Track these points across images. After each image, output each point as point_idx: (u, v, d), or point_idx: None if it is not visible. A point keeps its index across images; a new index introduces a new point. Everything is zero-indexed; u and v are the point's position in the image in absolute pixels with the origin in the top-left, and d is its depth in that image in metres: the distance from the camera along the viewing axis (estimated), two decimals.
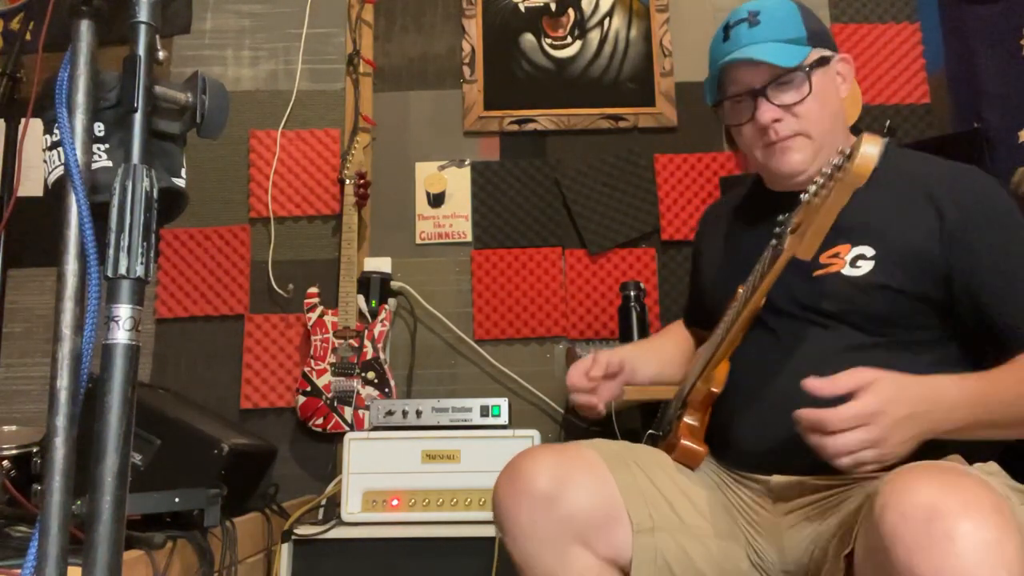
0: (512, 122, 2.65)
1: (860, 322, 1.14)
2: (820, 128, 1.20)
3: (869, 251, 1.14)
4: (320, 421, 2.31)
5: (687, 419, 1.27)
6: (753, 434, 1.20)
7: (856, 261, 1.14)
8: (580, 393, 1.31)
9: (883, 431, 0.92)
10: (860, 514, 0.93)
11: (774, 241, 0.89)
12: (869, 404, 0.92)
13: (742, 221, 1.38)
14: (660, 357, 1.47)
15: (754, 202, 1.37)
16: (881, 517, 0.86)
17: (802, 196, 0.86)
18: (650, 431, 1.45)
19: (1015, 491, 1.01)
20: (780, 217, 0.88)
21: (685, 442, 1.25)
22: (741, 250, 1.32)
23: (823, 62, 1.21)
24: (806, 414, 0.94)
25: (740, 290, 1.15)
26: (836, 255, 1.15)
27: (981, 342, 1.14)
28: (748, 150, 1.28)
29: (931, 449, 1.02)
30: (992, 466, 1.08)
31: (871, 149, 0.73)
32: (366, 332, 2.38)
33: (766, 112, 1.19)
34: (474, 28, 2.72)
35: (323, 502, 2.10)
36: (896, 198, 1.17)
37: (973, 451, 1.09)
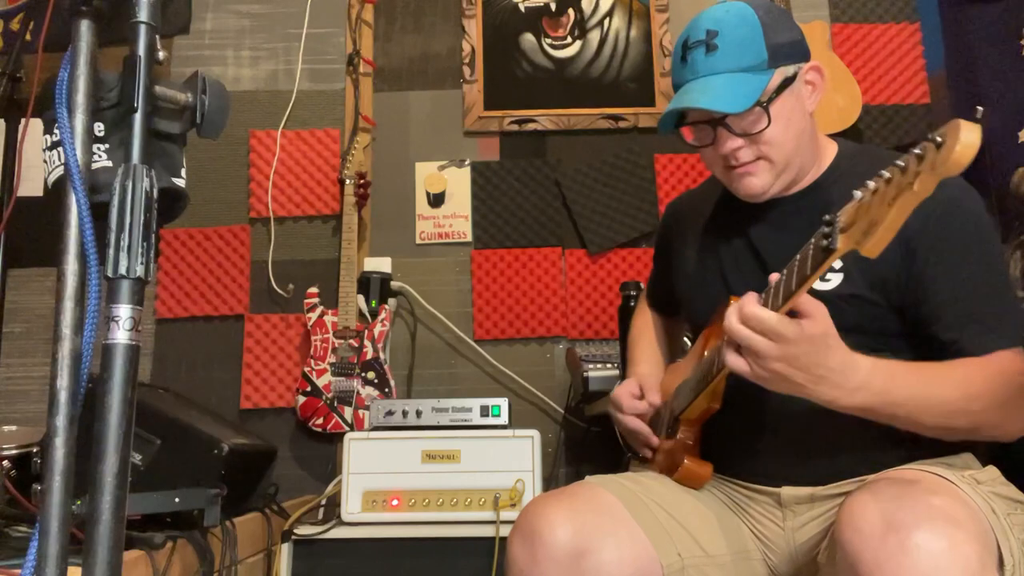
0: (512, 122, 2.65)
1: (840, 330, 1.13)
2: (783, 152, 1.17)
3: (837, 263, 1.12)
4: (320, 421, 2.32)
5: (683, 437, 1.23)
6: (758, 444, 1.19)
7: (825, 274, 1.12)
8: (634, 418, 1.31)
9: (774, 357, 0.92)
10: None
11: (824, 242, 0.84)
12: (789, 329, 0.91)
13: (715, 231, 1.34)
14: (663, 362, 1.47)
15: (728, 211, 1.33)
16: (840, 534, 0.89)
17: (856, 194, 0.81)
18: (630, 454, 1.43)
19: (1004, 499, 1.00)
20: (826, 217, 0.85)
21: (689, 463, 1.21)
22: (717, 263, 1.31)
23: (787, 83, 1.16)
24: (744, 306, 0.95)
25: (734, 300, 1.12)
26: None
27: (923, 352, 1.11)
28: (710, 167, 1.27)
29: (912, 449, 1.06)
30: (985, 473, 1.07)
31: (972, 137, 0.67)
32: (366, 332, 2.38)
33: (726, 143, 1.17)
34: (474, 28, 2.71)
35: (323, 502, 2.10)
36: None
37: (953, 452, 1.10)
